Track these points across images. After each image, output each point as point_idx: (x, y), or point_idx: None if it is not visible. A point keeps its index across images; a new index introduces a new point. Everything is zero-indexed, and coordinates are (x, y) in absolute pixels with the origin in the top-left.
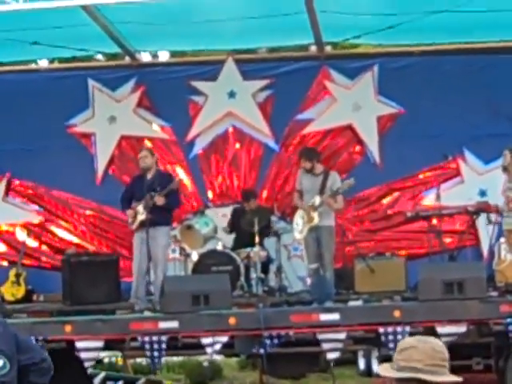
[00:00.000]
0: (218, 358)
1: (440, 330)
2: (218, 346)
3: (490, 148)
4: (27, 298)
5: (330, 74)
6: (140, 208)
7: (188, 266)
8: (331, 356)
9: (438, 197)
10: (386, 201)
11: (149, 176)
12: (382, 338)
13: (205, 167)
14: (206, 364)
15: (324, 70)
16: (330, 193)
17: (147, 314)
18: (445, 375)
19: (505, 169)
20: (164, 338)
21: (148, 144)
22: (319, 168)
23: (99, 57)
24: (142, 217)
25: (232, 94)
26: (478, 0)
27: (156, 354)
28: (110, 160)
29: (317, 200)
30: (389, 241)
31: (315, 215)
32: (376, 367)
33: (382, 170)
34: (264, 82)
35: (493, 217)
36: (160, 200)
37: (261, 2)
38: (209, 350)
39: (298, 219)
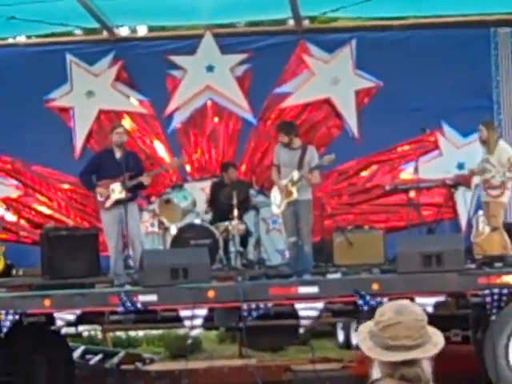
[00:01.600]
0: (198, 331)
1: (419, 301)
2: (197, 320)
3: (468, 121)
4: (6, 272)
5: (308, 47)
6: (116, 186)
7: (167, 240)
8: (310, 328)
9: (416, 170)
10: (364, 174)
11: (118, 154)
12: (361, 310)
13: (183, 141)
14: (189, 341)
15: (302, 44)
16: (308, 167)
17: (127, 287)
18: (429, 343)
19: (483, 142)
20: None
21: (127, 120)
22: (297, 142)
23: (77, 32)
24: (119, 195)
25: (210, 68)
26: None
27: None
28: (88, 134)
29: (295, 175)
30: (367, 214)
31: (294, 190)
32: (355, 341)
33: (361, 144)
34: (242, 56)
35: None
36: (147, 180)
37: None
38: (187, 323)
39: (276, 193)
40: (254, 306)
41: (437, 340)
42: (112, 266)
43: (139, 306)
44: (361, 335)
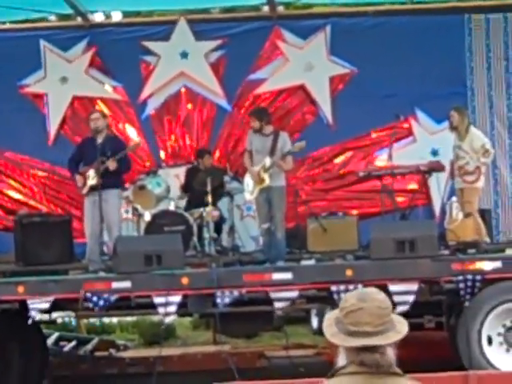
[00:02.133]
0: (172, 318)
1: (392, 288)
2: (171, 307)
3: (442, 108)
4: None
5: (282, 34)
6: (91, 172)
7: (141, 227)
8: (284, 314)
9: (390, 156)
10: (338, 160)
11: (99, 139)
12: (335, 297)
13: (157, 128)
14: (163, 327)
15: (276, 30)
16: (280, 154)
17: (101, 274)
18: (392, 331)
19: (454, 128)
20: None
21: (101, 106)
22: (269, 129)
23: (51, 17)
24: (92, 181)
25: (184, 55)
26: None
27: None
28: (62, 121)
29: (267, 161)
30: (341, 200)
31: (266, 176)
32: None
33: (335, 130)
34: (216, 43)
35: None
36: (112, 165)
37: None
38: (161, 310)
39: (249, 180)
40: (227, 292)
41: (401, 328)
42: (87, 252)
43: (109, 298)
44: (326, 321)
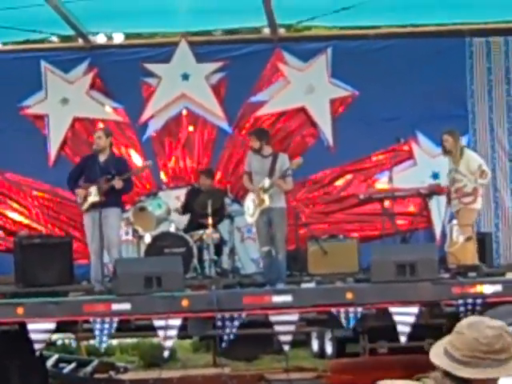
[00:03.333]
0: (172, 342)
1: (392, 310)
2: (171, 331)
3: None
4: None
5: (283, 56)
6: (92, 190)
7: (141, 248)
8: (284, 339)
9: (391, 179)
10: (338, 183)
11: (102, 158)
12: (335, 320)
13: (158, 149)
14: (165, 353)
15: (277, 53)
16: (279, 175)
17: (102, 296)
18: (480, 367)
19: (448, 152)
20: (115, 319)
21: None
22: (268, 150)
23: (52, 38)
24: (94, 198)
25: (185, 77)
26: None
27: (104, 336)
28: (62, 142)
29: (266, 182)
30: (342, 223)
31: (266, 197)
32: (329, 349)
33: (335, 153)
34: (217, 65)
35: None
36: (119, 184)
37: None
38: (161, 333)
39: (249, 203)
40: (227, 316)
41: (489, 374)
42: (93, 272)
43: (112, 324)
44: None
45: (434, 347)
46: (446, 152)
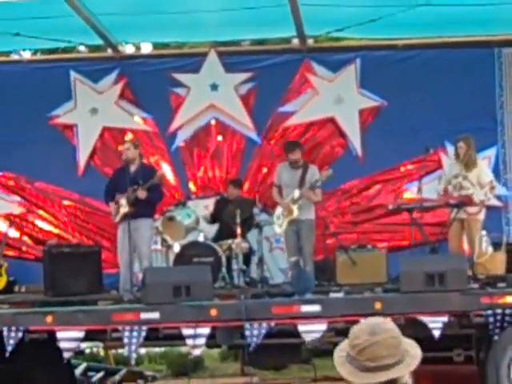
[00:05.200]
0: (200, 350)
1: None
2: (199, 340)
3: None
4: (9, 288)
5: (312, 66)
6: (123, 201)
7: (170, 258)
8: (313, 347)
9: (420, 189)
10: (367, 193)
11: (132, 168)
12: None
13: (187, 159)
14: (190, 358)
15: (306, 63)
16: (309, 186)
17: (129, 305)
18: (408, 357)
19: (461, 158)
20: (144, 328)
21: (130, 136)
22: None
23: (81, 48)
24: (124, 209)
25: (214, 87)
26: None
27: (133, 345)
28: (91, 151)
29: (296, 193)
30: (370, 233)
31: (295, 208)
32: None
33: (364, 163)
34: (246, 75)
35: None
36: (142, 194)
37: None
38: (190, 342)
39: (279, 213)
40: (256, 325)
41: (415, 353)
42: (122, 282)
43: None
44: (338, 359)
45: (347, 373)
46: (457, 158)
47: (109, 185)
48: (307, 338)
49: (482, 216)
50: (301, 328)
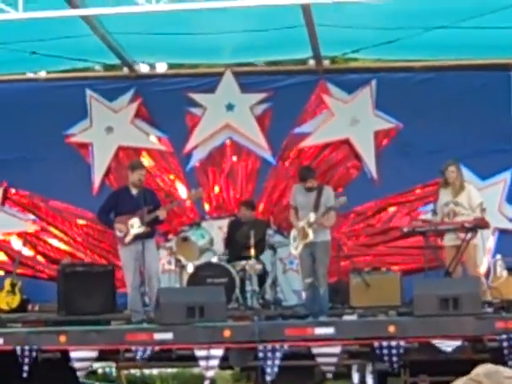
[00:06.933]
0: (213, 372)
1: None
2: (212, 361)
3: (488, 165)
4: (22, 307)
5: (327, 88)
6: (135, 221)
7: (183, 278)
8: (326, 369)
9: (435, 212)
10: (382, 216)
11: (134, 191)
12: (377, 353)
13: (202, 179)
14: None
15: (322, 84)
16: (324, 208)
17: (144, 325)
18: None
19: (452, 184)
20: (157, 348)
21: (146, 157)
22: (313, 183)
23: (97, 67)
24: (137, 230)
25: (230, 107)
26: (478, 17)
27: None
28: (106, 170)
29: (311, 216)
30: (384, 256)
31: (310, 232)
32: (370, 382)
33: (379, 185)
34: (262, 95)
35: None
36: (163, 214)
37: (260, 15)
38: (203, 363)
39: (294, 235)
40: (269, 347)
41: None
42: (129, 303)
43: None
44: None
45: None
46: (447, 183)
47: (108, 203)
48: (321, 360)
49: (476, 241)
50: (314, 350)
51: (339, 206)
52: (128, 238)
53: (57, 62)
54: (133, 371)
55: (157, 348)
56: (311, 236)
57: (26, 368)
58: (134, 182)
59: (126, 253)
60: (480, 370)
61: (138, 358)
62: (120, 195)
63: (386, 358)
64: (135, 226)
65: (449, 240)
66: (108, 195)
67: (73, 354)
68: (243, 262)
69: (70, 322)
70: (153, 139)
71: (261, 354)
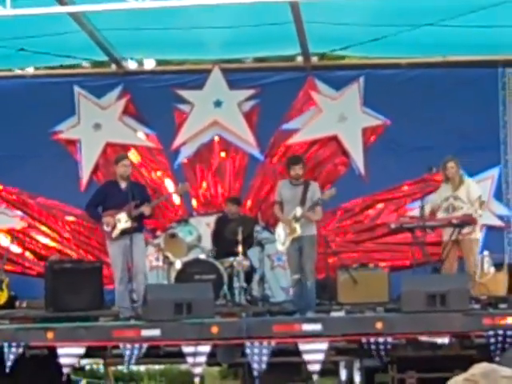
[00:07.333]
0: (200, 369)
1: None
2: (200, 358)
3: (475, 161)
4: (10, 304)
5: (316, 84)
6: (122, 216)
7: (171, 275)
8: (313, 368)
9: (422, 209)
10: (369, 212)
11: (122, 185)
12: (365, 349)
13: (189, 176)
14: (196, 379)
15: (310, 81)
16: (310, 203)
17: (131, 322)
18: None
19: (450, 179)
20: (144, 345)
21: (133, 153)
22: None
23: (85, 64)
24: (124, 225)
25: (218, 103)
26: (465, 15)
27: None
28: (94, 167)
29: (298, 211)
30: (372, 252)
31: (297, 226)
32: (358, 378)
33: (367, 182)
34: (250, 92)
35: None
36: (147, 210)
37: (248, 11)
38: (190, 360)
39: (280, 231)
40: (257, 343)
41: None
42: (117, 299)
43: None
44: None
45: None
46: (447, 179)
47: (97, 197)
48: (307, 357)
49: (477, 235)
50: (301, 347)
51: (328, 198)
52: (115, 233)
53: (44, 58)
54: (120, 367)
55: (144, 348)
56: (299, 231)
57: (9, 364)
58: (121, 174)
59: (113, 248)
60: (476, 370)
61: (125, 358)
62: (108, 189)
63: (373, 355)
64: (122, 220)
65: (445, 235)
66: (96, 189)
67: (60, 351)
68: (231, 259)
69: (58, 319)
70: (141, 136)
71: (248, 351)
